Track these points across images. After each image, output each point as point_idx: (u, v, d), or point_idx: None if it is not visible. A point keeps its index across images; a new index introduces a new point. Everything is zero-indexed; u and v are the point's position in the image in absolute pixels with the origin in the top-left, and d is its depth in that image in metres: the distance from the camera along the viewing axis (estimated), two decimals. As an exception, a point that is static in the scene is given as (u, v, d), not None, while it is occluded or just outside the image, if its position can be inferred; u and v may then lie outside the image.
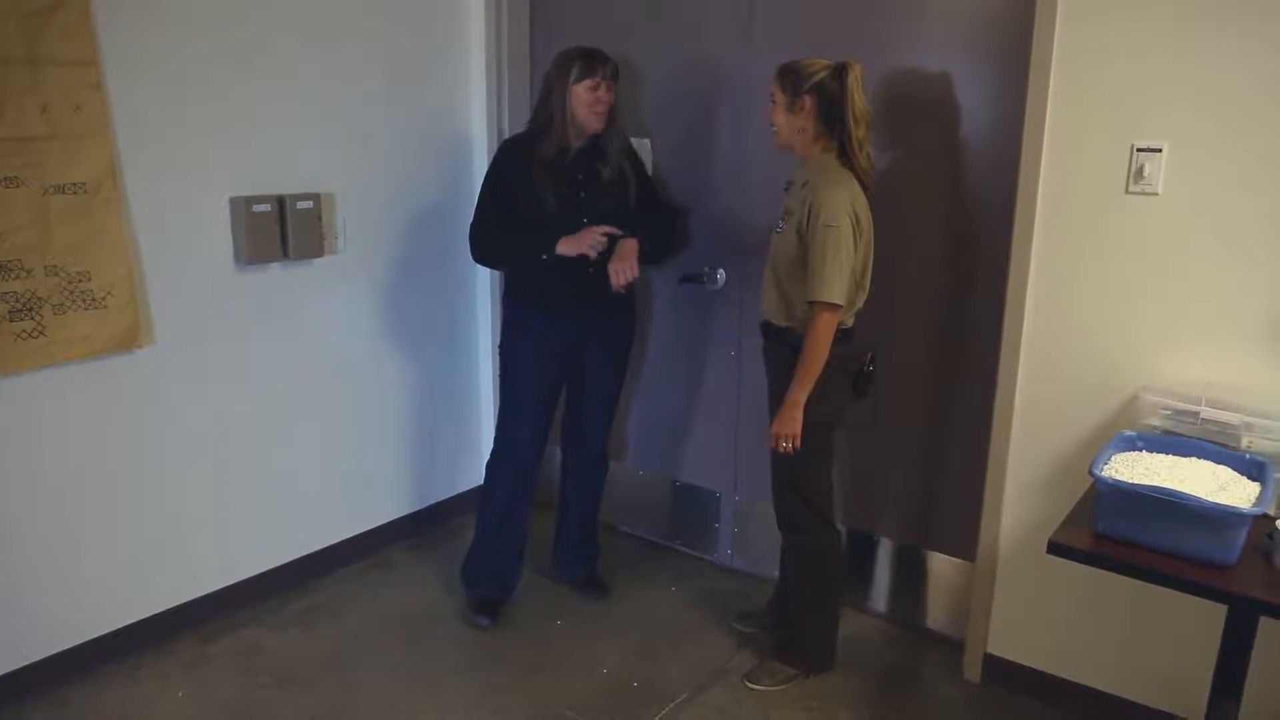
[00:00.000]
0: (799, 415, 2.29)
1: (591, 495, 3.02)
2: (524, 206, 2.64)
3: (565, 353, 2.78)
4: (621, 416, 3.07)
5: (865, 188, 2.30)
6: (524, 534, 2.90)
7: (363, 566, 3.18)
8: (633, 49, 3.00)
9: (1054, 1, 2.17)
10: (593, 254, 2.58)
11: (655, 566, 3.22)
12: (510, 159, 2.69)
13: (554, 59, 2.63)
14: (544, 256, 2.59)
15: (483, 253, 2.75)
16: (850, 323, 2.37)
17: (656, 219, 2.82)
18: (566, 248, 2.58)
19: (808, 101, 2.25)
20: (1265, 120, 1.99)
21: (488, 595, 2.89)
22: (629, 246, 2.63)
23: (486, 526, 2.86)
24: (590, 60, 2.57)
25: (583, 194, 2.65)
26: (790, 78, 2.27)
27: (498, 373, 2.91)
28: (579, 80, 2.56)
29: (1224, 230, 2.08)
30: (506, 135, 3.21)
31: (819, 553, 2.50)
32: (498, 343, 2.90)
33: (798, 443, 2.31)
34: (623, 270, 2.60)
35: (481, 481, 2.93)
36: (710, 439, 3.18)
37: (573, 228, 2.61)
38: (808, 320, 2.27)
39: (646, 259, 2.71)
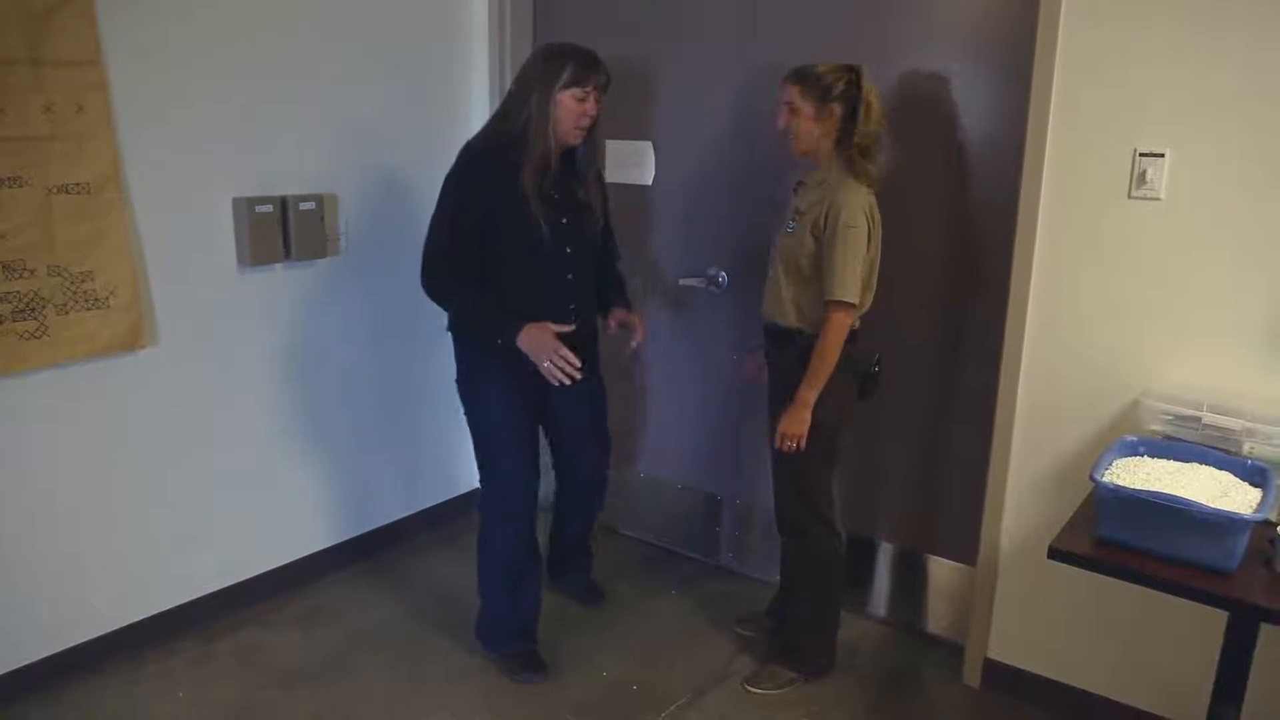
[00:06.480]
0: (808, 415, 2.29)
1: (587, 518, 2.87)
2: (506, 230, 2.29)
3: (535, 381, 2.36)
4: (623, 420, 3.06)
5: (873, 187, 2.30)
6: (536, 592, 2.61)
7: (364, 568, 3.17)
8: (635, 49, 3.00)
9: (1057, 5, 2.17)
10: (554, 380, 2.28)
11: (656, 570, 3.22)
12: (486, 171, 2.29)
13: (538, 53, 2.33)
14: (499, 341, 2.30)
15: (437, 290, 2.37)
16: (857, 324, 2.37)
17: (611, 280, 2.64)
18: (528, 346, 2.27)
19: (837, 109, 2.24)
20: (1268, 126, 1.99)
21: (516, 652, 2.61)
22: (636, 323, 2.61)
23: (494, 590, 2.58)
24: (584, 66, 2.25)
25: (565, 220, 2.35)
26: (814, 86, 2.24)
27: (463, 413, 2.51)
28: (568, 86, 2.24)
29: (1226, 235, 2.08)
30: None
31: (820, 556, 2.50)
32: (454, 379, 2.49)
33: (803, 443, 2.31)
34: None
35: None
36: (712, 442, 3.17)
37: (556, 257, 2.35)
38: (820, 320, 2.27)
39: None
